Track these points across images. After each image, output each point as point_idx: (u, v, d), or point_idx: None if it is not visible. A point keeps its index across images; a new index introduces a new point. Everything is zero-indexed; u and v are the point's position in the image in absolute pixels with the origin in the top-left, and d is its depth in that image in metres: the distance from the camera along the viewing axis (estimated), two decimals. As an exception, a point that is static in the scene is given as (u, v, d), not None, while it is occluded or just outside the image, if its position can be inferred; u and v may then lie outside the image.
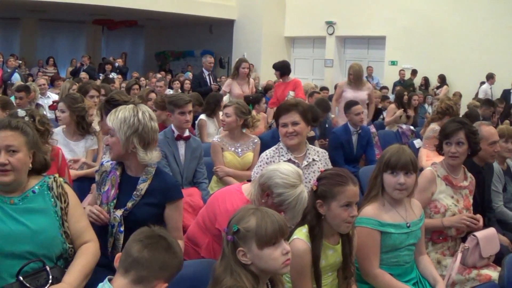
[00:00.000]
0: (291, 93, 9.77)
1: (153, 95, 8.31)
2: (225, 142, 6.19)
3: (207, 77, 12.03)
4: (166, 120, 7.10)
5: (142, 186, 3.71)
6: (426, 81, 19.10)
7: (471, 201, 4.63)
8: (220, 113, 7.58)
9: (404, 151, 3.83)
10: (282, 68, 10.42)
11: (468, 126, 4.60)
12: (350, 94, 9.69)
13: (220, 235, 3.64)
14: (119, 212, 3.65)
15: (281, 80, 10.44)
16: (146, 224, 2.71)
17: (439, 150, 4.71)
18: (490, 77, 16.97)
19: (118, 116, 3.64)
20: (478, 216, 4.42)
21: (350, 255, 3.45)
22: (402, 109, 11.35)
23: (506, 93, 17.04)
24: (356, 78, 9.92)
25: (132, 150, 3.65)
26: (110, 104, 4.87)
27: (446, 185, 4.52)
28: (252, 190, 3.82)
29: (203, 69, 12.09)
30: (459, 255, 4.21)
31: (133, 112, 3.67)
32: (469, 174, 4.73)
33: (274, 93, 10.33)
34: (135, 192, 3.69)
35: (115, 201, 3.71)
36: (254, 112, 6.46)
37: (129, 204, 3.68)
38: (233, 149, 6.17)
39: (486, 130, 5.18)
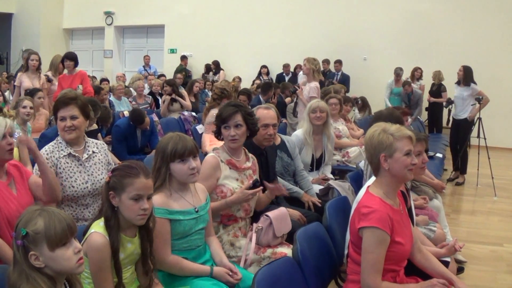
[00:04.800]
0: (80, 87, 9.49)
1: None
2: None
3: None
4: None
5: None
6: (208, 68, 19.33)
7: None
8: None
9: (184, 137, 3.88)
10: (76, 59, 10.02)
11: (243, 108, 4.70)
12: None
13: None
14: None
15: (65, 72, 10.04)
16: None
17: (218, 135, 4.77)
18: None
19: None
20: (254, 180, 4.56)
21: (149, 248, 3.42)
22: (169, 96, 11.59)
23: (279, 77, 17.94)
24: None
25: None
26: None
27: (230, 169, 4.59)
28: None
29: None
30: (254, 235, 4.34)
31: None
32: (250, 155, 4.85)
33: (59, 86, 9.80)
34: None
35: None
36: (5, 109, 6.20)
37: None
38: None
39: (259, 112, 5.37)
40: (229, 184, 4.53)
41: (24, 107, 7.66)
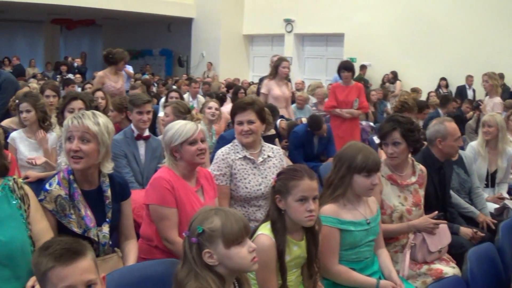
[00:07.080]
0: (357, 101, 9.19)
1: (99, 94, 7.66)
2: None
3: None
4: (121, 123, 6.91)
5: (109, 193, 3.58)
6: (386, 78, 19.22)
7: (422, 194, 4.61)
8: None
9: (372, 151, 3.86)
10: (353, 70, 9.55)
11: (403, 124, 4.49)
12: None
13: None
14: (106, 228, 3.53)
15: (340, 82, 9.61)
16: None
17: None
18: None
19: (100, 121, 3.43)
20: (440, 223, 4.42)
21: (315, 251, 3.45)
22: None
23: (461, 89, 17.29)
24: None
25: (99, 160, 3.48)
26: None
27: (392, 185, 4.49)
28: (166, 156, 4.01)
29: None
30: (408, 253, 4.24)
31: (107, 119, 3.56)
32: (418, 167, 4.67)
33: (334, 96, 9.35)
34: (108, 201, 3.57)
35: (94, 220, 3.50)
36: (194, 112, 6.41)
37: (109, 215, 3.57)
38: None
39: (452, 126, 5.18)
40: (390, 200, 4.46)
41: (210, 108, 7.95)
